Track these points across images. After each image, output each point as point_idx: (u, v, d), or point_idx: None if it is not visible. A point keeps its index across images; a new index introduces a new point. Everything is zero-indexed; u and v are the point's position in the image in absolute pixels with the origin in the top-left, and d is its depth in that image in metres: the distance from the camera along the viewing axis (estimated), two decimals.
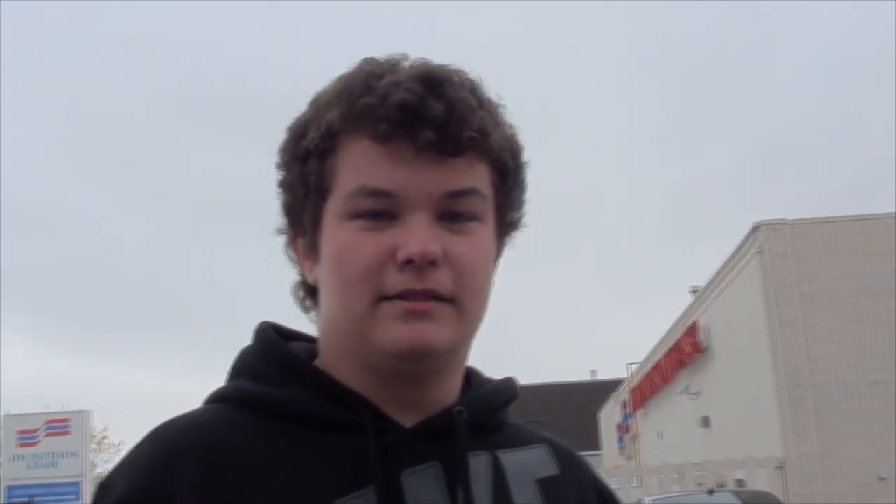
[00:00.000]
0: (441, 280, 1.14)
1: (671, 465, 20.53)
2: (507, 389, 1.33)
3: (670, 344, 28.75)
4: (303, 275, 1.27)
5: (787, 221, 21.33)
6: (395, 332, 1.13)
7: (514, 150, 1.24)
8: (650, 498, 15.29)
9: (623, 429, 37.56)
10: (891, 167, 58.68)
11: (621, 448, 37.69)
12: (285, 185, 1.24)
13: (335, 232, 1.17)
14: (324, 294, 1.22)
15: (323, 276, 1.21)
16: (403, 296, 1.13)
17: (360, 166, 1.15)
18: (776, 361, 20.35)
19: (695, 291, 27.57)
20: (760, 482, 18.57)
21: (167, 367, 72.48)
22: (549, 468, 1.29)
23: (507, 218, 1.27)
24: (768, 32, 77.90)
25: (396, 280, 1.13)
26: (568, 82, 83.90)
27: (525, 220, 1.31)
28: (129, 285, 71.16)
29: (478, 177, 1.18)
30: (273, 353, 1.24)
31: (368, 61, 1.21)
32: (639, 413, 34.79)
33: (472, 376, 1.32)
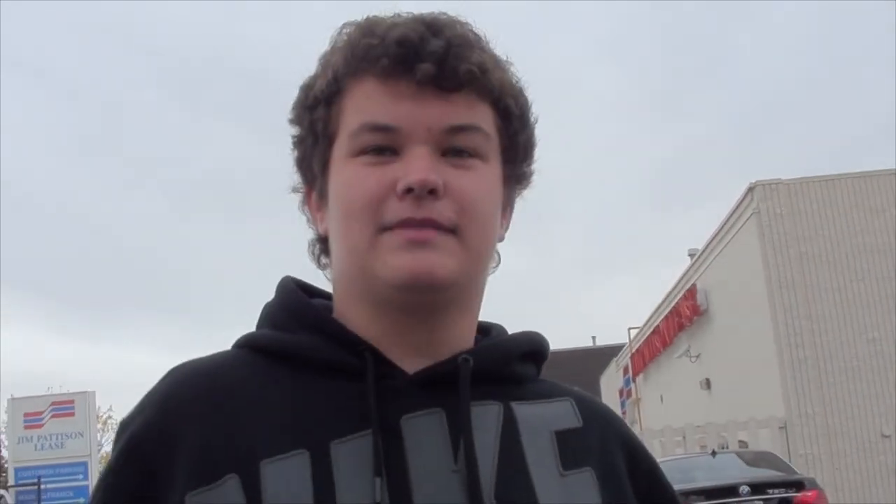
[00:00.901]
0: (441, 210, 1.15)
1: (673, 428, 20.57)
2: (525, 341, 1.31)
3: (669, 307, 28.77)
4: (316, 229, 1.29)
5: (782, 181, 21.30)
6: (396, 261, 1.14)
7: (517, 96, 1.25)
8: None
9: (625, 394, 37.65)
10: (888, 123, 58.62)
11: (623, 413, 37.76)
12: (297, 139, 1.27)
13: (340, 170, 1.19)
14: (332, 237, 1.24)
15: (330, 218, 1.23)
16: (403, 225, 1.14)
17: (362, 105, 1.18)
18: (776, 322, 20.38)
19: (693, 255, 27.57)
20: (763, 443, 18.63)
21: (168, 343, 72.48)
22: (571, 421, 1.27)
23: (513, 166, 1.27)
24: None
25: (396, 209, 1.14)
26: (557, 48, 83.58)
27: (534, 175, 1.32)
28: (125, 265, 71.09)
29: (480, 115, 1.20)
30: (286, 302, 1.27)
31: (372, 16, 1.23)
32: (640, 377, 34.88)
33: (492, 329, 1.32)
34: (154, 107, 69.21)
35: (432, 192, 1.13)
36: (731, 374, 23.61)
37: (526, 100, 1.27)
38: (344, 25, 1.23)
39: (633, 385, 35.97)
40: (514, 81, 1.25)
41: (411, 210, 1.13)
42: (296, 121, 1.27)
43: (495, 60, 1.22)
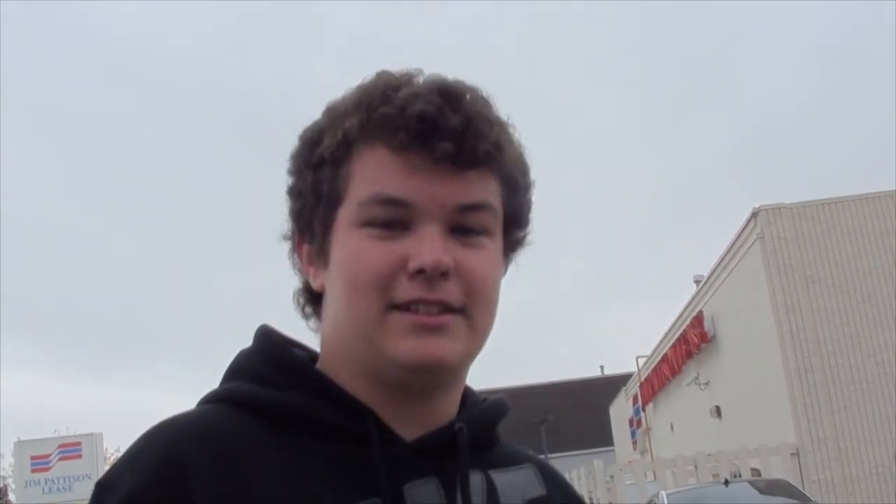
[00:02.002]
0: (451, 292, 1.14)
1: (685, 457, 20.43)
2: (503, 408, 1.34)
3: (677, 335, 28.71)
4: (306, 281, 1.27)
5: (785, 205, 21.30)
6: (406, 344, 1.13)
7: (524, 168, 1.26)
8: (666, 492, 15.23)
9: (635, 423, 37.50)
10: (889, 145, 58.67)
11: (634, 443, 37.63)
12: (295, 192, 1.24)
13: (347, 239, 1.17)
14: (331, 300, 1.21)
15: (331, 282, 1.20)
16: (414, 304, 1.13)
17: (375, 175, 1.16)
18: (784, 347, 20.31)
19: (699, 281, 27.53)
20: (776, 470, 18.52)
21: (173, 383, 72.44)
22: (537, 488, 1.30)
23: (513, 235, 1.28)
24: (761, 14, 77.88)
25: (407, 289, 1.13)
26: (558, 75, 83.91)
27: (530, 238, 1.31)
28: (129, 305, 71.19)
29: (490, 191, 1.19)
30: (276, 356, 1.23)
31: (385, 73, 1.21)
32: (649, 406, 34.75)
33: (466, 392, 1.31)
34: (161, 142, 69.57)
35: (443, 274, 1.13)
36: (741, 401, 23.51)
37: (528, 168, 1.27)
38: (360, 86, 1.21)
39: (642, 414, 35.84)
40: (521, 153, 1.25)
41: (422, 290, 1.13)
42: (296, 174, 1.24)
43: (508, 135, 1.22)
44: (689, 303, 27.78)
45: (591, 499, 20.76)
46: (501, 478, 1.26)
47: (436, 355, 1.14)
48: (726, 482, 14.17)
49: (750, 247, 21.83)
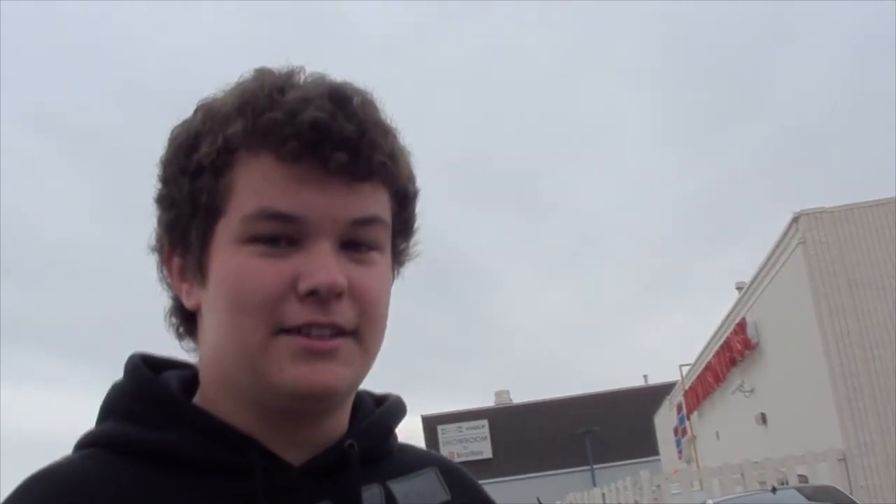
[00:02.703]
0: (344, 313, 1.08)
1: (731, 465, 20.29)
2: (395, 413, 1.28)
3: (720, 342, 28.51)
4: (176, 298, 1.18)
5: (826, 209, 21.12)
6: (292, 371, 1.07)
7: (413, 177, 1.19)
8: (713, 500, 15.15)
9: (679, 432, 37.26)
10: None
11: (679, 452, 37.39)
12: (168, 201, 1.14)
13: (229, 256, 1.09)
14: (210, 322, 1.13)
15: (210, 302, 1.12)
16: (305, 328, 1.07)
17: (261, 187, 1.08)
18: (829, 352, 20.11)
19: (741, 288, 27.36)
20: (823, 476, 18.35)
21: None
22: (440, 493, 1.26)
23: (401, 247, 1.22)
24: (797, 18, 77.44)
25: (298, 311, 1.07)
26: (596, 85, 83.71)
27: (416, 249, 1.25)
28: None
29: (381, 204, 1.13)
30: (146, 391, 1.15)
31: (265, 72, 1.13)
32: (694, 415, 34.51)
33: (357, 401, 1.24)
34: None
35: (338, 295, 1.07)
36: (786, 408, 23.31)
37: (415, 176, 1.20)
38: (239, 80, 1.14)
39: (687, 423, 35.59)
40: (410, 161, 1.18)
41: (315, 314, 1.07)
42: (169, 181, 1.14)
43: (399, 144, 1.15)
44: (732, 310, 27.59)
45: None
46: (401, 487, 1.21)
47: (324, 383, 1.07)
48: (773, 489, 14.07)
49: (792, 252, 21.67)
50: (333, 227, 1.08)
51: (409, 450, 1.31)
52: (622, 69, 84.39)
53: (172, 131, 1.15)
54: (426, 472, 1.28)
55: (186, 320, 1.19)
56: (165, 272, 1.19)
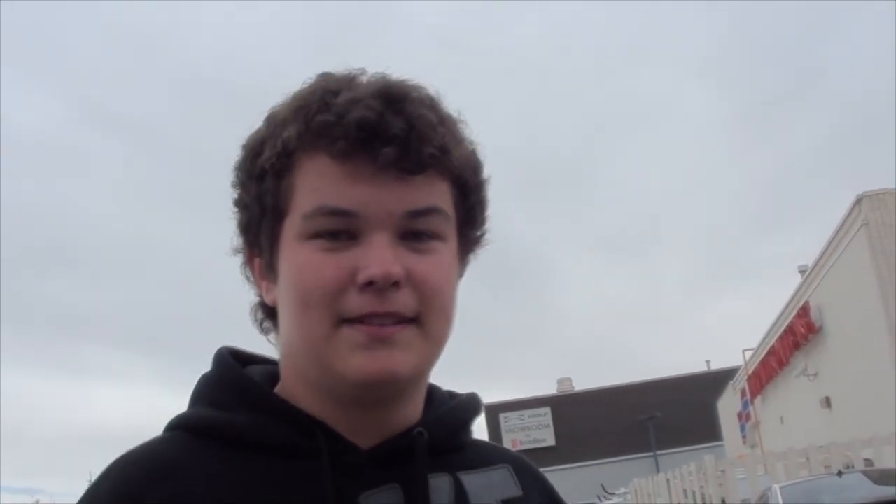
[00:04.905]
0: (404, 301, 1.11)
1: (796, 449, 20.11)
2: (469, 408, 1.31)
3: (783, 327, 28.29)
4: (260, 295, 1.24)
5: (890, 190, 20.87)
6: (356, 360, 1.10)
7: (475, 167, 1.22)
8: (778, 485, 15.03)
9: (743, 417, 37.00)
10: None
11: (743, 437, 37.14)
12: (241, 204, 1.21)
13: (294, 253, 1.14)
14: (282, 316, 1.19)
15: (281, 297, 1.18)
16: (365, 319, 1.10)
17: (317, 185, 1.12)
18: (892, 333, 19.87)
19: (803, 271, 27.12)
20: (888, 460, 18.15)
21: None
22: (512, 489, 1.28)
23: (469, 236, 1.24)
24: None
25: (358, 302, 1.10)
26: (652, 74, 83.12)
27: (487, 237, 1.28)
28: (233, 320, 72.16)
29: (439, 195, 1.16)
30: (227, 378, 1.22)
31: (324, 77, 1.18)
32: (758, 400, 34.27)
33: (432, 393, 1.29)
34: None
35: (394, 284, 1.10)
36: (850, 391, 23.08)
37: (480, 165, 1.23)
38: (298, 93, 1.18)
39: (751, 408, 35.36)
40: (471, 152, 1.21)
41: (374, 304, 1.10)
42: (239, 185, 1.21)
43: (455, 136, 1.18)
44: (795, 294, 27.36)
45: (702, 494, 20.56)
46: (473, 480, 1.23)
47: (387, 369, 1.10)
48: (839, 473, 13.93)
49: (855, 234, 21.44)
50: (389, 219, 1.11)
51: (483, 446, 1.33)
52: (680, 56, 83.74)
53: (245, 139, 1.21)
54: (499, 467, 1.29)
55: (269, 316, 1.24)
56: (249, 272, 1.25)
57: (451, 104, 1.20)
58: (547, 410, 58.51)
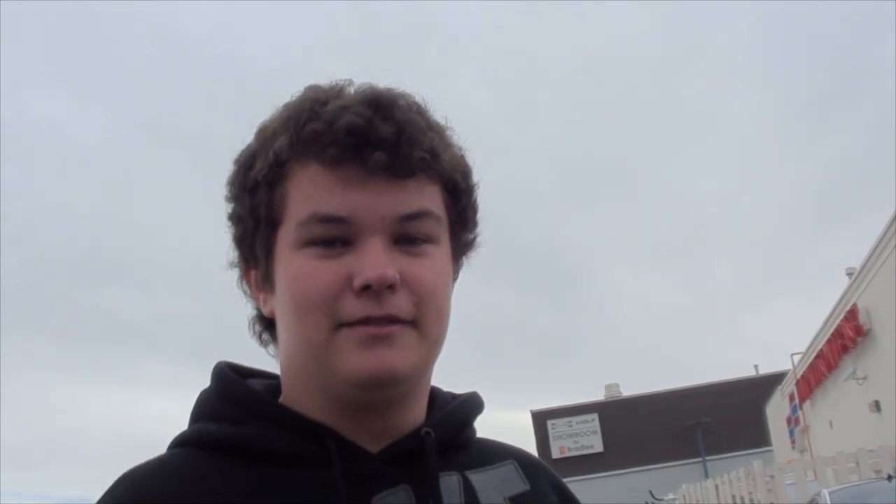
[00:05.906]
0: (400, 304, 1.13)
1: (845, 454, 19.98)
2: (472, 406, 1.33)
3: (831, 330, 28.06)
4: (258, 308, 1.26)
5: None
6: (355, 359, 1.12)
7: (465, 171, 1.24)
8: (828, 490, 14.96)
9: (792, 422, 36.71)
10: None
11: (792, 441, 36.85)
12: (235, 218, 1.23)
13: (289, 261, 1.15)
14: (281, 325, 1.21)
15: (279, 306, 1.19)
16: (363, 322, 1.12)
17: (310, 193, 1.14)
18: None
19: (851, 274, 26.90)
20: None
21: None
22: (519, 485, 1.30)
23: (461, 239, 1.27)
24: None
25: (355, 307, 1.12)
26: (697, 79, 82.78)
27: (479, 240, 1.30)
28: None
29: (430, 199, 1.18)
30: (231, 392, 1.23)
31: (312, 88, 1.20)
32: (806, 404, 33.99)
33: (434, 396, 1.31)
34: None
35: (390, 287, 1.11)
36: None
37: (470, 169, 1.26)
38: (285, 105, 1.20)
39: (800, 412, 35.07)
40: (460, 156, 1.23)
41: (371, 307, 1.11)
42: (233, 199, 1.23)
43: (444, 140, 1.20)
44: (843, 296, 27.13)
45: (751, 500, 20.47)
46: (480, 477, 1.25)
47: (386, 366, 1.11)
48: (889, 478, 13.85)
49: None
50: (382, 224, 1.13)
51: (488, 443, 1.35)
52: (727, 60, 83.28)
53: (236, 154, 1.23)
54: (505, 464, 1.31)
55: (267, 328, 1.27)
56: (245, 285, 1.27)
57: (451, 107, 1.23)
58: (594, 416, 58.17)
